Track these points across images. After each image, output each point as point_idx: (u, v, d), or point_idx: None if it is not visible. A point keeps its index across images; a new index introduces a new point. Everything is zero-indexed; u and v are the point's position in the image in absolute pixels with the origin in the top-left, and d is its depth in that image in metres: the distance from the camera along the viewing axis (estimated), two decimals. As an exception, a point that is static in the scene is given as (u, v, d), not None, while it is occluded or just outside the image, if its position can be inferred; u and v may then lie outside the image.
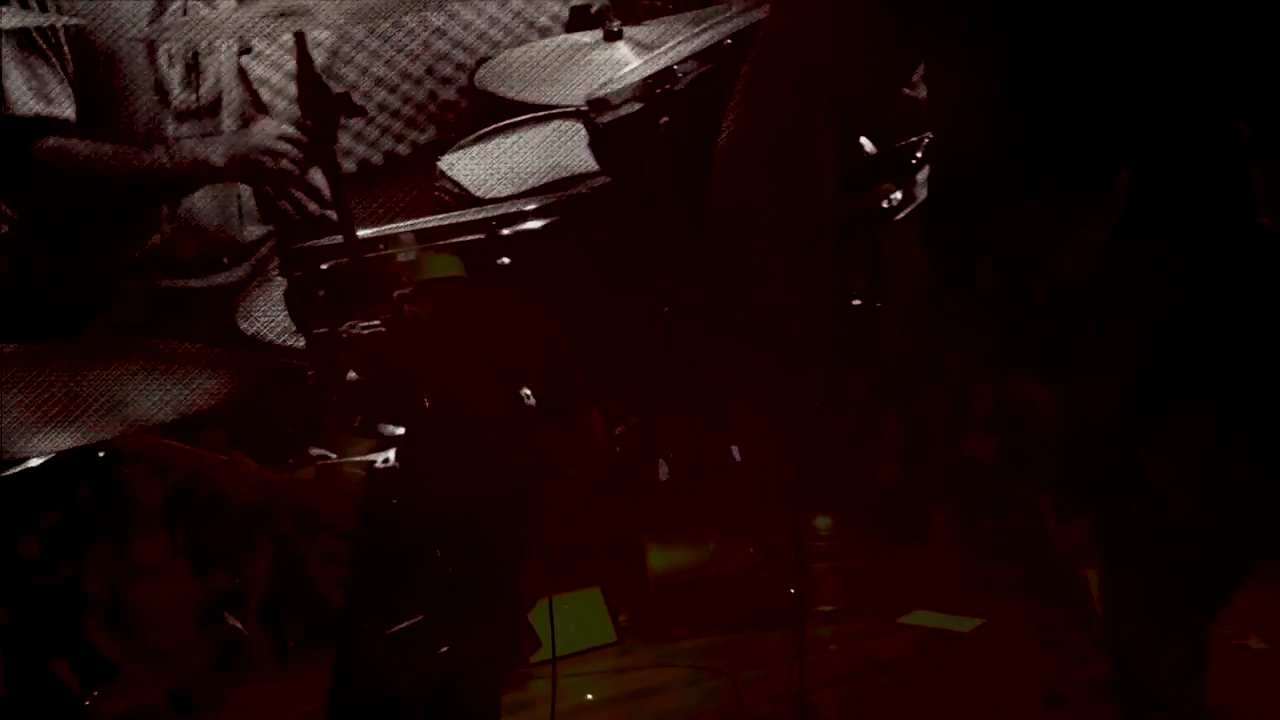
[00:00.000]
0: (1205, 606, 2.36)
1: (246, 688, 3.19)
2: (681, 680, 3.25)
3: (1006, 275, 2.41)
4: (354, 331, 2.56)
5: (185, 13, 3.19)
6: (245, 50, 3.38)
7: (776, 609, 3.23)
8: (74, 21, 3.08)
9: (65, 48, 3.12)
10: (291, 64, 3.78)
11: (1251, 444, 2.24)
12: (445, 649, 2.45)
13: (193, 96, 3.27)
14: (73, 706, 2.89)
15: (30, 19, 2.98)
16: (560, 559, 2.94)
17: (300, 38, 2.52)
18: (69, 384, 2.15)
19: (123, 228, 3.29)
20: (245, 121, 3.37)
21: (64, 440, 2.12)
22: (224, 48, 3.31)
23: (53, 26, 3.05)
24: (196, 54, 3.25)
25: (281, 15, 2.46)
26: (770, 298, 2.68)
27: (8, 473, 2.49)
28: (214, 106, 3.32)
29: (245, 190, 3.38)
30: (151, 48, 3.20)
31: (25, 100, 3.10)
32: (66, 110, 3.13)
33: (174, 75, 3.24)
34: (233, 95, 3.36)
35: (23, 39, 3.07)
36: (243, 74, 3.40)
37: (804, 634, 2.86)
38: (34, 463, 2.51)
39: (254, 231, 3.43)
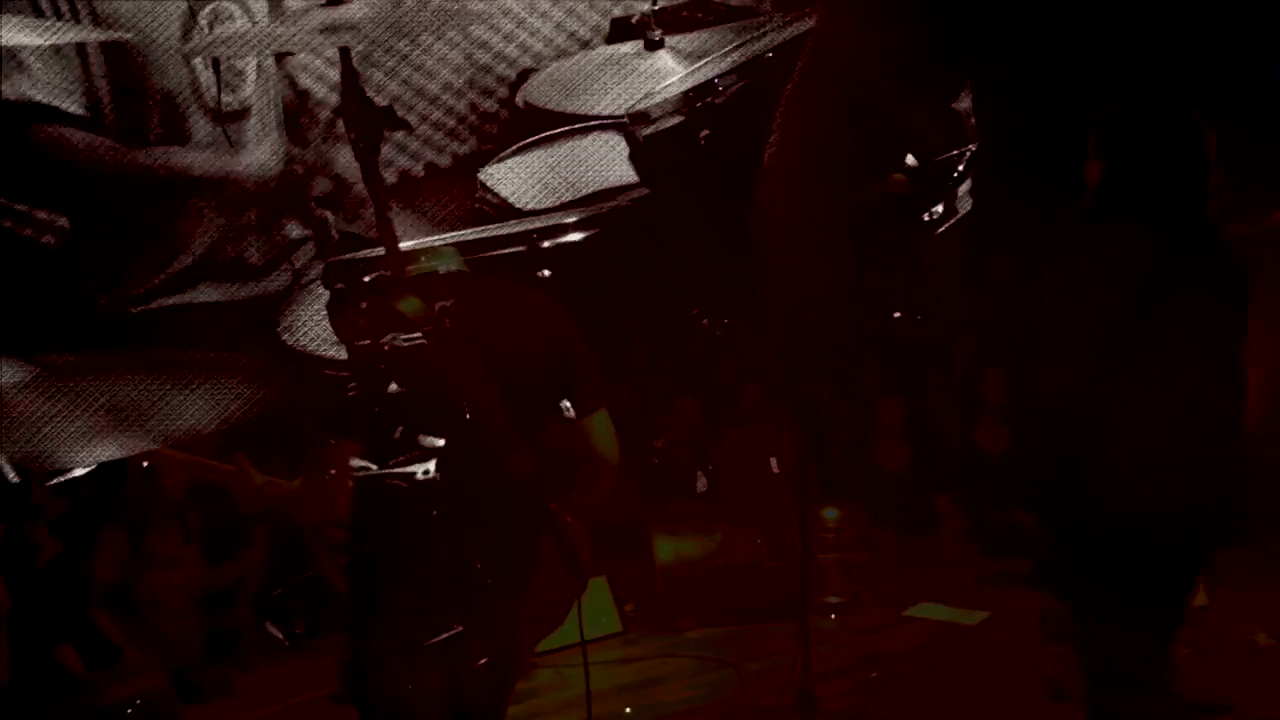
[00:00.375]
0: (1169, 588, 2.38)
1: (252, 674, 3.24)
2: (686, 670, 3.26)
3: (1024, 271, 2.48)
4: (395, 344, 2.57)
5: (217, 18, 3.21)
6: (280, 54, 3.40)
7: (783, 600, 3.22)
8: (108, 36, 3.10)
9: (95, 56, 3.15)
10: (329, 72, 3.80)
11: (1206, 426, 2.30)
12: (482, 659, 2.46)
13: (230, 99, 3.29)
14: (78, 691, 2.93)
15: (69, 34, 2.99)
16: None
17: (345, 53, 2.53)
18: (113, 395, 2.16)
19: (163, 237, 3.32)
20: (278, 126, 3.41)
21: (109, 450, 2.13)
22: (255, 54, 3.34)
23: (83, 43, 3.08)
24: (218, 60, 3.26)
25: (327, 30, 2.48)
26: (795, 292, 2.74)
27: (53, 481, 2.52)
28: (245, 110, 3.35)
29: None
30: (187, 49, 3.22)
31: (31, 88, 3.14)
32: (75, 106, 3.17)
33: (208, 79, 3.25)
34: (263, 101, 3.38)
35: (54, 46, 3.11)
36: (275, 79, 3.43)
37: (808, 625, 2.86)
38: (78, 472, 2.53)
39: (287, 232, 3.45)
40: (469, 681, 2.48)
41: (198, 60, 3.23)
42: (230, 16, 3.28)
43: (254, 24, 3.30)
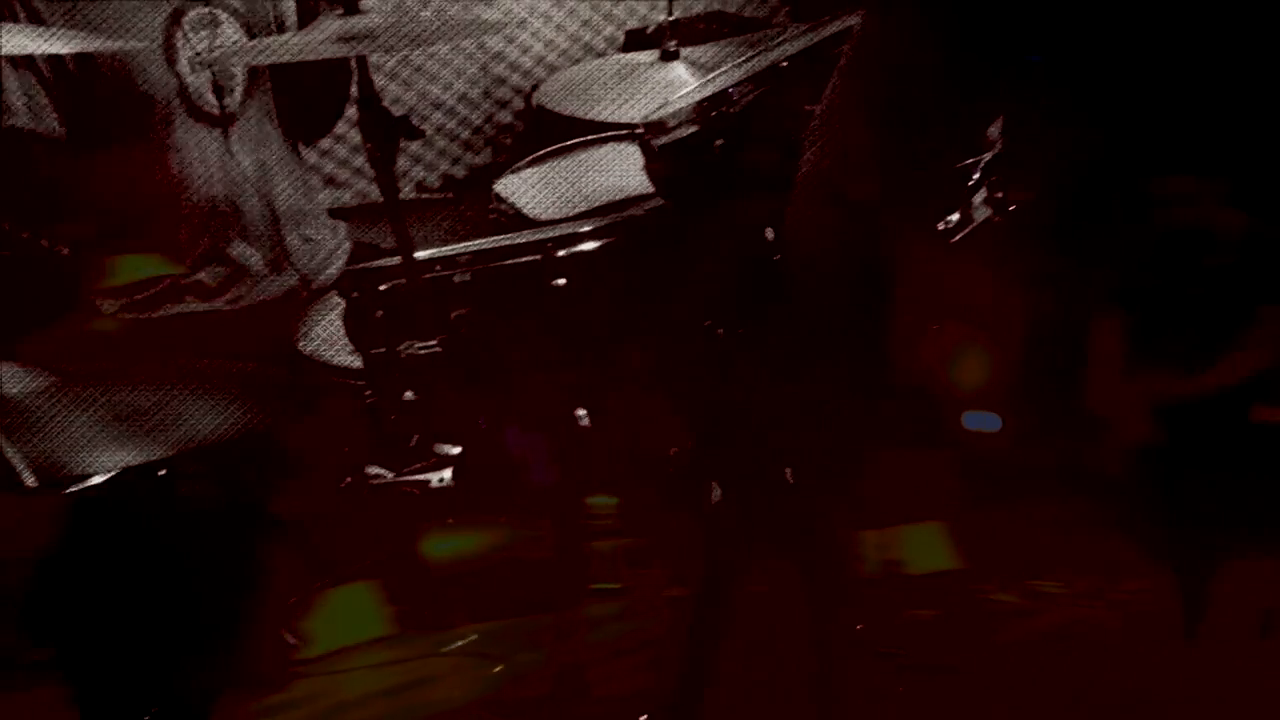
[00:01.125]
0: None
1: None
2: (455, 668, 3.15)
3: None
4: (411, 352, 2.58)
5: (203, 25, 3.19)
6: None
7: (559, 591, 3.15)
8: (109, 46, 3.06)
9: (63, 67, 3.13)
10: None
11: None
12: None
13: (228, 101, 3.27)
14: None
15: (33, 43, 2.95)
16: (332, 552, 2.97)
17: (363, 62, 2.55)
18: (130, 402, 2.18)
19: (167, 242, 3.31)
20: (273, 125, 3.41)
21: (126, 457, 2.15)
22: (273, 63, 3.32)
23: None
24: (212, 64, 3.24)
25: (343, 40, 2.49)
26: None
27: (73, 489, 2.52)
28: (240, 108, 3.33)
29: (283, 189, 3.41)
30: (171, 54, 3.21)
31: (18, 115, 3.12)
32: (55, 128, 3.17)
33: (197, 81, 3.22)
34: (251, 105, 3.37)
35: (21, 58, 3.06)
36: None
37: (575, 613, 2.88)
38: (96, 480, 2.54)
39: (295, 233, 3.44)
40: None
41: (183, 66, 3.20)
42: (217, 23, 3.25)
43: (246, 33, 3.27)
